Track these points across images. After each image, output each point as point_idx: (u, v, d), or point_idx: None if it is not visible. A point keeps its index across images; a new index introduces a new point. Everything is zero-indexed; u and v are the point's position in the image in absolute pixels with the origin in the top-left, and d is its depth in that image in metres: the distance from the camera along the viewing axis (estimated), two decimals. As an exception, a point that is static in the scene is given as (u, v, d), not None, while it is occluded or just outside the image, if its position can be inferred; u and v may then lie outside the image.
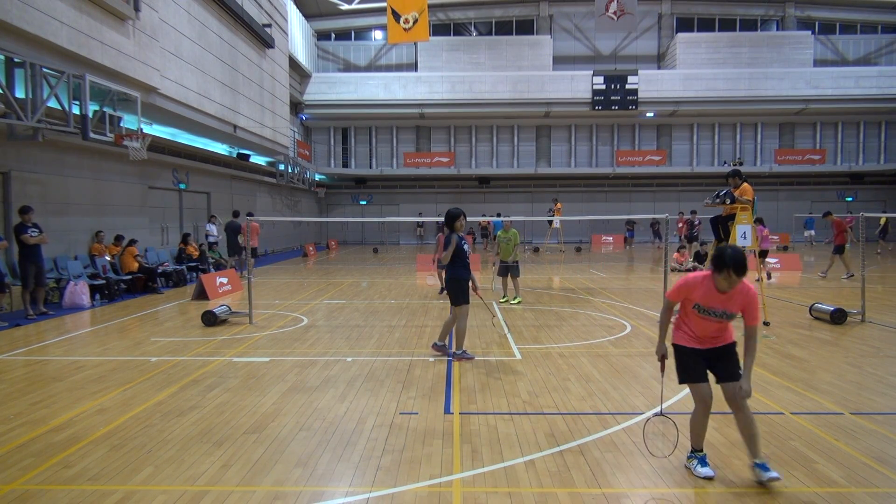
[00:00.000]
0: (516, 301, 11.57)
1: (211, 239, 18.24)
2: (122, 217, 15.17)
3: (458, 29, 35.48)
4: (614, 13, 28.36)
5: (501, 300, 11.71)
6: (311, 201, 34.18)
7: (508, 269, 11.61)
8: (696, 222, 22.25)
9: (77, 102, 10.92)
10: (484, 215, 29.08)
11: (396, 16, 24.18)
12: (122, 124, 12.55)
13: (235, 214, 17.61)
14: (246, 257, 10.36)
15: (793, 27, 33.92)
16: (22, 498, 3.69)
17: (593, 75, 32.05)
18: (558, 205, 26.06)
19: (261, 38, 20.68)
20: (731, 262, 3.69)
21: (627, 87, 31.75)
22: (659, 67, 34.50)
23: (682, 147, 35.38)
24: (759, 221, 14.36)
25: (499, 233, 11.84)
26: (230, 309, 9.97)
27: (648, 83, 31.90)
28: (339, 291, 13.74)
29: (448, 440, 4.58)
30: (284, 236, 28.93)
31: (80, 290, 11.26)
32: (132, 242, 13.76)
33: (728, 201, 9.36)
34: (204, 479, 3.93)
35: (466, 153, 35.53)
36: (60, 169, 12.95)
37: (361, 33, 35.21)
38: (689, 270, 17.81)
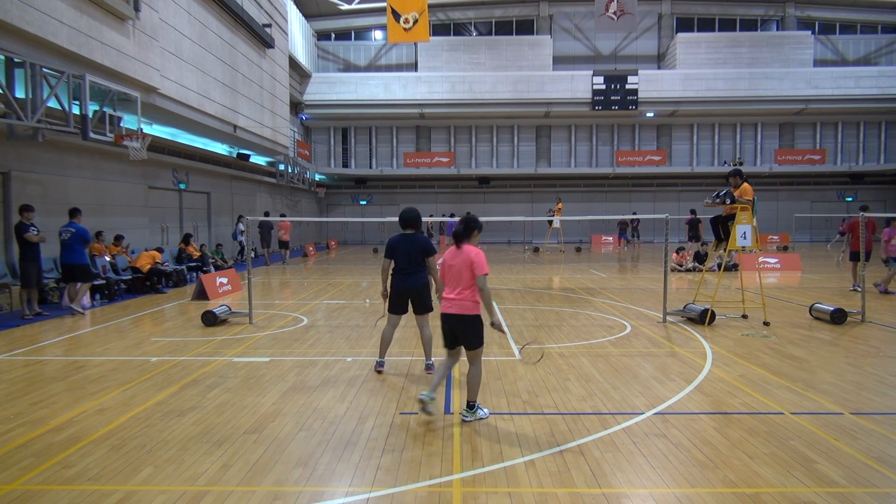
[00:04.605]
0: None
1: (240, 237, 20.64)
2: (122, 217, 15.18)
3: (458, 29, 35.48)
4: (614, 13, 28.36)
5: None
6: (311, 201, 34.19)
7: None
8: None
9: (77, 102, 10.91)
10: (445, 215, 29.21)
11: (396, 16, 24.20)
12: (122, 124, 12.54)
13: (266, 214, 22.13)
14: (245, 254, 10.36)
15: (793, 27, 33.92)
16: (22, 498, 3.69)
17: (593, 75, 32.05)
18: (560, 204, 26.11)
19: (261, 38, 20.68)
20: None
21: (627, 87, 31.73)
22: (659, 67, 34.49)
23: (682, 147, 35.38)
24: (890, 223, 12.50)
25: None
26: (230, 309, 9.97)
27: (648, 83, 31.90)
28: (339, 291, 13.74)
29: (448, 440, 4.58)
30: (284, 236, 28.93)
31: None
32: (160, 250, 14.60)
33: (728, 201, 9.36)
34: (204, 479, 3.93)
35: (466, 153, 35.53)
36: (60, 169, 12.95)
37: (361, 33, 35.21)
38: (689, 271, 17.82)
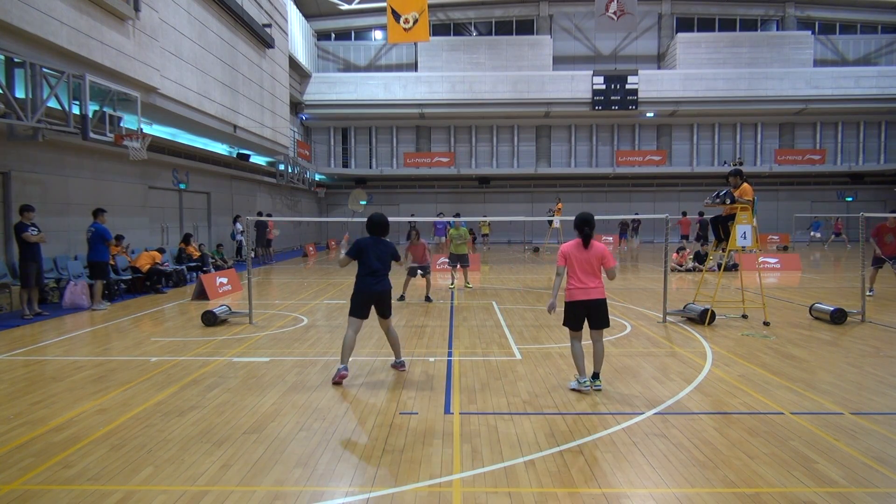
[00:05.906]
0: (467, 286, 13.88)
1: (239, 237, 21.21)
2: (122, 217, 15.17)
3: (458, 29, 35.48)
4: (614, 13, 28.35)
5: (451, 286, 14.05)
6: (311, 201, 34.18)
7: (458, 260, 13.71)
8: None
9: (77, 102, 10.91)
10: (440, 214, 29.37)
11: (396, 16, 24.17)
12: (122, 124, 12.54)
13: (259, 214, 22.72)
14: (244, 254, 10.36)
15: (793, 27, 33.91)
16: (22, 498, 3.69)
17: (593, 75, 32.04)
18: (560, 204, 26.10)
19: (261, 38, 20.68)
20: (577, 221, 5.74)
21: (627, 87, 31.73)
22: (659, 67, 34.49)
23: (682, 147, 35.38)
24: None
25: (451, 230, 13.73)
26: (230, 309, 9.97)
27: (648, 83, 31.89)
28: (340, 291, 13.74)
29: (448, 440, 4.58)
30: (284, 236, 28.85)
31: (80, 290, 11.25)
32: (161, 251, 14.71)
33: (728, 201, 9.36)
34: (204, 479, 3.93)
35: (466, 153, 35.52)
36: (60, 169, 12.95)
37: (361, 33, 35.21)
38: (689, 271, 17.81)
